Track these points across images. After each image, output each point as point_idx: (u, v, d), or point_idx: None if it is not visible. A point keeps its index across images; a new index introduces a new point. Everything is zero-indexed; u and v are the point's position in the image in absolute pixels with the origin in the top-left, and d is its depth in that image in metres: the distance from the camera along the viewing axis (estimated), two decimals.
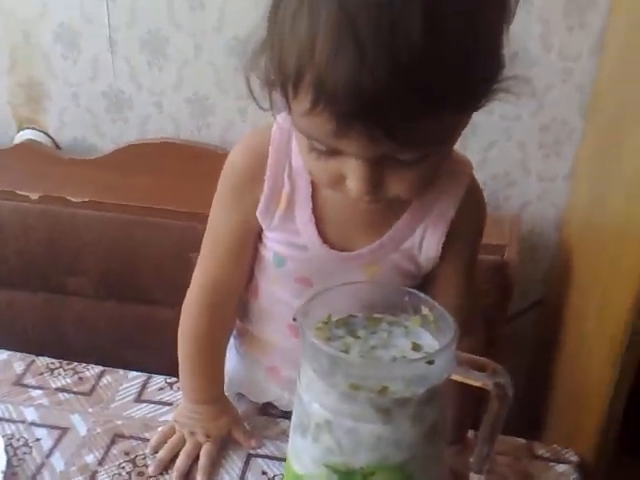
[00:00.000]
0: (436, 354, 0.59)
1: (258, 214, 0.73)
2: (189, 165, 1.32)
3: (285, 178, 0.72)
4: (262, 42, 0.61)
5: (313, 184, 0.72)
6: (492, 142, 1.28)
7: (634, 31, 1.06)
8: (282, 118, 0.69)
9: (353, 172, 0.60)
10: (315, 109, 0.55)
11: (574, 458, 0.81)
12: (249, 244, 0.77)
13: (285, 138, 0.71)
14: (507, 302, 1.19)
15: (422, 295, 0.65)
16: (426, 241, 0.73)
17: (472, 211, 0.74)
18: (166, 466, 0.78)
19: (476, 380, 0.61)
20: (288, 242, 0.74)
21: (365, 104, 0.52)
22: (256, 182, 0.72)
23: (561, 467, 0.79)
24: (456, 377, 0.61)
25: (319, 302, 0.64)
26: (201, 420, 0.80)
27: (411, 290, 0.65)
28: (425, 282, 0.78)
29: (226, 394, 0.84)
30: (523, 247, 1.25)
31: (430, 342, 0.64)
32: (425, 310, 0.64)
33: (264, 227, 0.75)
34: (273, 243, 0.75)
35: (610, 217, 1.06)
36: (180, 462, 0.78)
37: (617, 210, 1.02)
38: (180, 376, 0.82)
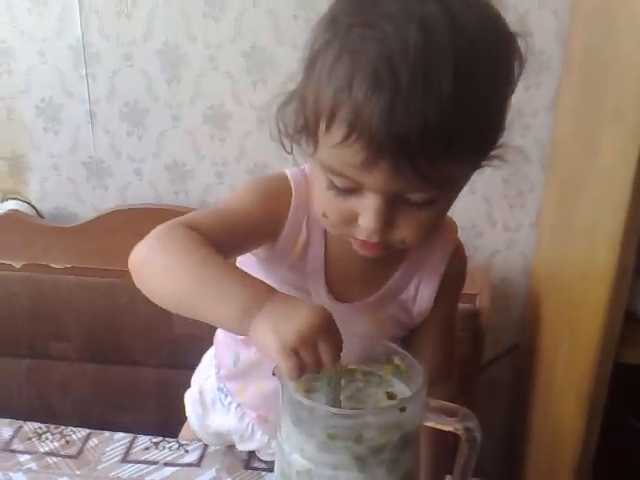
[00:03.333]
0: (407, 401, 0.63)
1: (276, 250, 0.75)
2: None
3: (304, 226, 0.75)
4: (292, 93, 0.67)
5: (326, 236, 0.76)
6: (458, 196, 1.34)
7: (585, 89, 1.13)
8: (292, 172, 0.75)
9: (368, 208, 0.64)
10: (347, 141, 0.59)
11: None
12: (245, 246, 0.74)
13: (304, 188, 0.75)
14: (480, 349, 1.23)
15: (393, 345, 0.69)
16: (420, 294, 0.79)
17: (458, 267, 0.81)
18: None
19: (447, 425, 0.65)
20: (295, 285, 0.76)
21: (396, 137, 0.57)
22: (278, 219, 0.74)
23: None
24: (428, 423, 0.65)
25: None
26: (297, 312, 0.60)
27: (383, 341, 0.69)
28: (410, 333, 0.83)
29: (216, 448, 0.85)
30: (495, 295, 1.30)
31: (403, 390, 0.67)
32: (397, 360, 0.68)
33: (276, 263, 0.75)
34: (277, 284, 0.73)
35: (573, 263, 1.11)
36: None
37: (578, 256, 1.07)
38: (212, 302, 0.62)
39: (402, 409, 0.62)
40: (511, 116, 1.26)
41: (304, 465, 0.63)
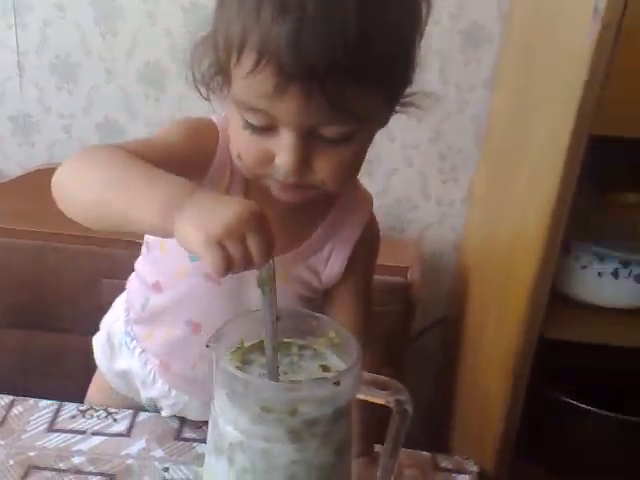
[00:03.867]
0: (342, 375, 0.63)
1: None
2: None
3: (227, 171, 0.74)
4: (203, 38, 0.67)
5: (247, 186, 0.74)
6: (394, 169, 1.34)
7: (521, 69, 1.15)
8: (216, 117, 0.74)
9: (284, 145, 0.64)
10: (257, 67, 0.60)
11: (474, 468, 0.86)
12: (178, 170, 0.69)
13: (227, 134, 0.73)
14: (410, 321, 1.25)
15: (328, 319, 0.69)
16: (332, 259, 0.79)
17: (372, 238, 0.82)
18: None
19: (379, 398, 0.66)
20: None
21: (304, 61, 0.58)
22: (207, 156, 0.73)
23: (462, 477, 0.85)
24: (360, 396, 0.65)
25: (232, 328, 0.67)
26: (224, 205, 0.57)
27: (318, 315, 0.69)
28: (324, 302, 0.83)
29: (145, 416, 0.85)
30: (425, 268, 1.32)
31: (337, 363, 0.68)
32: (331, 333, 0.68)
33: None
34: None
35: (502, 239, 1.13)
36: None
37: (508, 232, 1.10)
38: (135, 203, 0.60)
39: (337, 383, 0.62)
40: (449, 90, 1.30)
41: (237, 438, 0.63)
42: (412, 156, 1.35)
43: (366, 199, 0.81)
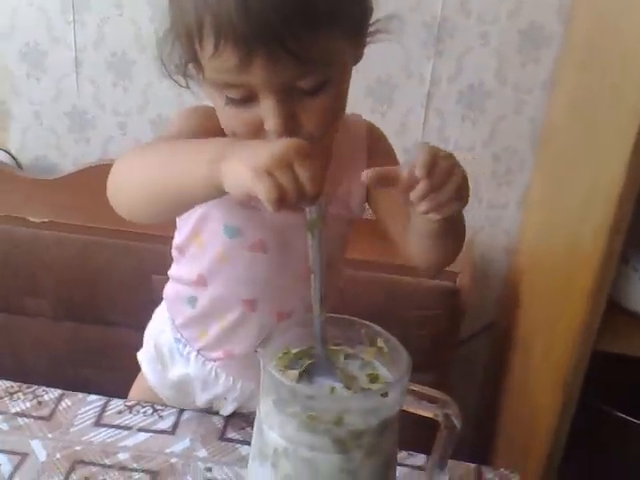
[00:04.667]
0: (390, 387, 0.62)
1: None
2: None
3: None
4: (166, 30, 0.69)
5: None
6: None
7: (584, 69, 1.11)
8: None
9: (267, 110, 0.65)
10: (218, 48, 0.62)
11: None
12: None
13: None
14: (458, 326, 1.23)
15: (377, 327, 0.68)
16: (354, 187, 0.80)
17: (378, 144, 0.82)
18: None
19: (427, 411, 0.64)
20: (240, 208, 0.76)
21: (259, 26, 0.60)
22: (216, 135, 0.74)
23: None
24: (408, 408, 0.64)
25: (278, 335, 0.66)
26: (268, 144, 0.60)
27: (367, 323, 0.68)
28: (379, 215, 0.82)
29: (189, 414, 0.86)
30: (475, 273, 1.30)
31: (384, 373, 0.67)
32: (380, 342, 0.67)
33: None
34: (223, 214, 0.77)
35: (558, 245, 1.10)
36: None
37: (564, 239, 1.07)
38: (183, 170, 0.63)
39: (384, 394, 0.61)
40: (506, 90, 1.27)
41: (282, 444, 0.62)
42: (466, 158, 1.32)
43: (357, 120, 0.81)
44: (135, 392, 0.97)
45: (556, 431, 0.96)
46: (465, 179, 0.65)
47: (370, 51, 1.29)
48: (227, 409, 0.90)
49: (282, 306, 0.82)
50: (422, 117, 1.32)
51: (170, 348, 0.90)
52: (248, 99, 0.66)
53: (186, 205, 0.70)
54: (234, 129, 0.69)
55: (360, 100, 1.31)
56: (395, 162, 0.81)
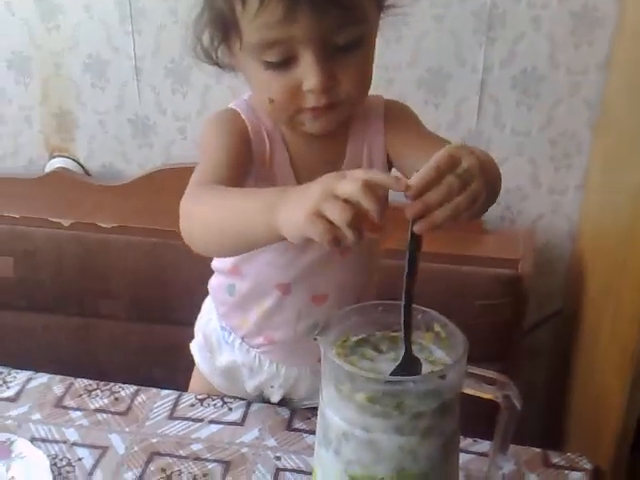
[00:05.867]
0: (448, 369, 0.63)
1: (256, 174, 0.78)
2: None
3: (265, 138, 0.79)
4: (200, 10, 0.74)
5: (285, 141, 0.79)
6: (504, 158, 1.31)
7: (639, 49, 1.09)
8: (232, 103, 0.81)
9: (307, 68, 0.69)
10: (264, 1, 0.65)
11: (588, 466, 0.84)
12: (242, 176, 0.77)
13: (247, 107, 0.80)
14: (523, 315, 1.22)
15: (434, 313, 0.69)
16: (374, 159, 0.81)
17: (395, 110, 0.83)
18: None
19: (486, 393, 0.65)
20: None
21: None
22: (246, 141, 0.78)
23: (575, 475, 0.82)
24: (467, 390, 0.65)
25: (337, 322, 0.68)
26: (307, 188, 0.59)
27: (424, 309, 0.69)
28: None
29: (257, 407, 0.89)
30: (538, 260, 1.29)
31: (443, 357, 0.68)
32: (437, 327, 0.69)
33: (250, 181, 0.78)
34: None
35: (619, 228, 1.09)
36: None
37: (625, 222, 1.05)
38: (234, 218, 0.67)
39: (442, 377, 0.62)
40: (558, 73, 1.25)
41: (344, 428, 0.64)
42: (523, 143, 1.32)
43: (374, 100, 0.82)
44: (193, 382, 1.02)
45: (625, 415, 0.95)
46: (478, 192, 0.59)
47: (421, 41, 1.30)
48: (275, 396, 0.94)
49: (316, 289, 0.84)
50: (476, 105, 1.31)
51: (217, 336, 0.94)
52: (287, 61, 0.70)
53: (254, 247, 0.72)
54: (272, 95, 0.72)
55: (412, 92, 1.32)
56: (416, 126, 0.82)
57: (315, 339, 0.65)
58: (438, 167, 0.57)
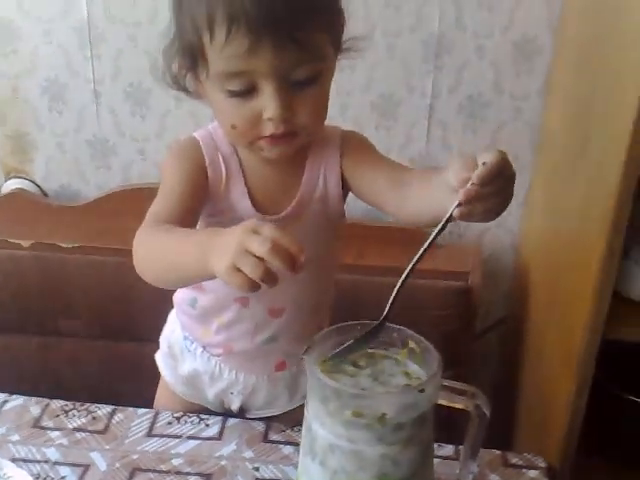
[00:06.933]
0: (426, 383, 0.69)
1: (212, 199, 0.85)
2: None
3: (221, 163, 0.85)
4: (170, 40, 0.80)
5: (241, 165, 0.85)
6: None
7: (575, 75, 1.19)
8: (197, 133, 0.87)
9: (268, 97, 0.74)
10: (230, 33, 0.71)
11: (543, 464, 0.91)
12: (197, 206, 0.83)
13: (208, 134, 0.86)
14: (473, 323, 1.30)
15: (409, 331, 0.75)
16: (328, 184, 0.88)
17: (351, 139, 0.89)
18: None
19: (458, 403, 0.72)
20: (228, 220, 0.82)
21: (268, 13, 0.70)
22: (201, 169, 0.84)
23: (532, 473, 0.90)
24: (441, 401, 0.71)
25: (319, 342, 0.74)
26: (226, 238, 0.65)
27: (399, 327, 0.75)
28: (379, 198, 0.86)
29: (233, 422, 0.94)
30: (484, 271, 1.37)
31: (417, 370, 0.74)
32: (412, 344, 0.75)
33: (208, 209, 0.85)
34: (212, 226, 0.84)
35: (561, 243, 1.18)
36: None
37: (567, 237, 1.14)
38: (176, 260, 0.72)
39: (421, 390, 0.68)
40: (502, 98, 1.34)
41: (330, 440, 0.69)
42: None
43: (331, 130, 0.89)
44: (159, 393, 1.06)
45: (572, 416, 1.03)
46: (510, 197, 0.68)
47: (373, 70, 1.36)
48: (235, 404, 0.99)
49: (273, 303, 0.90)
50: (426, 129, 1.39)
51: (180, 346, 0.99)
52: (249, 91, 0.75)
53: (197, 282, 0.84)
54: (234, 122, 0.78)
55: (365, 116, 1.39)
56: (370, 150, 0.89)
57: (302, 358, 0.71)
58: (498, 169, 0.63)
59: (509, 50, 1.33)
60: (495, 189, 0.64)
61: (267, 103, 0.75)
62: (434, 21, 1.32)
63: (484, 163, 0.63)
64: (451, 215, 0.66)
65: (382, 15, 1.32)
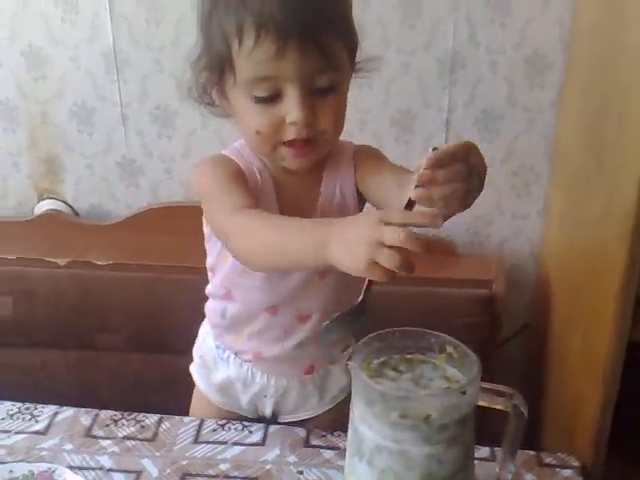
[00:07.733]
0: (468, 385, 0.74)
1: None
2: (200, 224, 1.45)
3: (255, 171, 0.89)
4: (199, 55, 0.84)
5: (273, 177, 0.89)
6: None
7: (587, 89, 1.23)
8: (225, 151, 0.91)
9: (292, 101, 0.78)
10: (259, 39, 0.76)
11: (576, 463, 0.95)
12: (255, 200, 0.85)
13: (236, 151, 0.90)
14: (497, 331, 1.34)
15: (446, 336, 0.79)
16: (346, 196, 0.91)
17: (363, 152, 0.93)
18: None
19: (498, 404, 0.76)
20: None
21: (295, 20, 0.75)
22: (239, 172, 0.88)
23: (566, 472, 0.94)
24: (482, 403, 0.75)
25: (362, 348, 0.78)
26: (362, 233, 0.67)
27: (437, 333, 0.80)
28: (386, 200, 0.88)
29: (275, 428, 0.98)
30: (508, 280, 1.41)
31: (456, 374, 0.78)
32: (450, 349, 0.79)
33: None
34: None
35: (581, 251, 1.21)
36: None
37: (587, 245, 1.18)
38: (289, 249, 0.76)
39: (463, 392, 0.73)
40: (515, 111, 1.39)
41: (377, 441, 0.73)
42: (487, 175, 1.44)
43: (345, 145, 0.93)
44: (194, 402, 1.10)
45: (600, 421, 1.05)
46: (473, 186, 0.69)
47: (390, 86, 1.41)
48: (267, 408, 1.03)
49: (300, 310, 0.95)
50: (443, 142, 1.44)
51: (212, 354, 1.03)
52: (273, 98, 0.79)
53: (310, 269, 0.87)
54: (259, 127, 0.82)
55: (385, 130, 1.44)
56: (382, 160, 0.92)
57: (347, 364, 0.75)
58: (454, 153, 0.66)
59: (522, 65, 1.38)
60: (450, 174, 0.65)
61: (291, 107, 0.79)
62: (448, 38, 1.37)
63: (435, 148, 0.67)
64: (410, 199, 0.68)
65: (397, 33, 1.38)
